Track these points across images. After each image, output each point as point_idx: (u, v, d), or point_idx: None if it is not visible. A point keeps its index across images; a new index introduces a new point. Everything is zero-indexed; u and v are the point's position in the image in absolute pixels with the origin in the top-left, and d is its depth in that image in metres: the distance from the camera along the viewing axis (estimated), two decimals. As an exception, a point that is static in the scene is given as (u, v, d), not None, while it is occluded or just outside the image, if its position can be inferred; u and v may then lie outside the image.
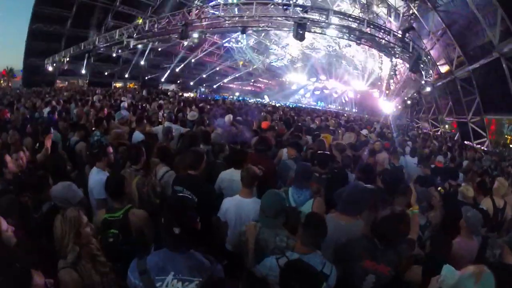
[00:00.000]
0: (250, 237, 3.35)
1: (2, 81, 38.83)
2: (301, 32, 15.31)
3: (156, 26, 20.30)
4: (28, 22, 31.21)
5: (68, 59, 30.32)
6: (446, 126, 26.29)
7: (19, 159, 4.99)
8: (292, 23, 16.10)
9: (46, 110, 11.30)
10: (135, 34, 21.95)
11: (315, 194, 4.42)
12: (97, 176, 4.61)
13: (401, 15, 21.33)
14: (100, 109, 11.56)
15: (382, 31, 18.16)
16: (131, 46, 23.44)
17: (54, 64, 31.74)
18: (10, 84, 37.74)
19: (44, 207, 3.72)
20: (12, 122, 9.35)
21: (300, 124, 12.50)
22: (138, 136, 7.37)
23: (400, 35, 18.14)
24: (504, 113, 18.67)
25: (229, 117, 10.46)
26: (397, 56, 19.86)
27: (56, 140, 7.16)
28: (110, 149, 5.04)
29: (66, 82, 37.49)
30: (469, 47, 18.19)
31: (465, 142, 21.27)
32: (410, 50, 17.70)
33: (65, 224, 2.73)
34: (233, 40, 40.68)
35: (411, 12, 20.64)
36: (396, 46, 17.85)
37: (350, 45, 32.34)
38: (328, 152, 6.47)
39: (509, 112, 17.58)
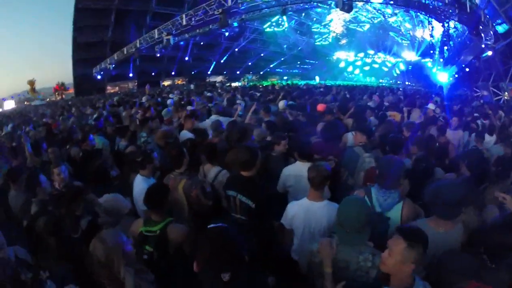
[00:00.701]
0: (326, 259, 2.60)
1: (57, 95, 40.73)
2: (348, 2, 14.06)
3: (193, 19, 19.89)
4: (71, 35, 32.82)
5: (113, 65, 31.25)
6: (506, 93, 23.87)
7: (60, 173, 4.71)
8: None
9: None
10: (174, 31, 21.75)
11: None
12: (142, 185, 4.22)
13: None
14: (147, 109, 11.25)
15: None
16: (172, 43, 23.24)
17: (102, 72, 32.94)
18: (63, 97, 39.59)
19: (82, 223, 3.48)
20: (60, 133, 9.40)
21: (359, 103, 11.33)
22: (185, 134, 6.86)
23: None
24: None
25: (282, 103, 9.69)
26: (452, 18, 18.12)
27: (101, 146, 7.00)
28: (155, 155, 4.70)
29: (117, 87, 38.58)
30: None
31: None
32: (468, 11, 15.97)
33: (108, 249, 2.38)
34: (274, 23, 39.75)
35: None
36: (452, 7, 16.18)
37: (396, 14, 30.47)
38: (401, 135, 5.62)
39: None
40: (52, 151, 6.18)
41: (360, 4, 19.40)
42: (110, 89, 38.13)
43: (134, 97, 20.23)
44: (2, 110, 39.00)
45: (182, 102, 12.17)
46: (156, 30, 24.09)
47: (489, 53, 18.96)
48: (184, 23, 20.62)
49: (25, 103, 41.59)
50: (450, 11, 16.92)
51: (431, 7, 16.96)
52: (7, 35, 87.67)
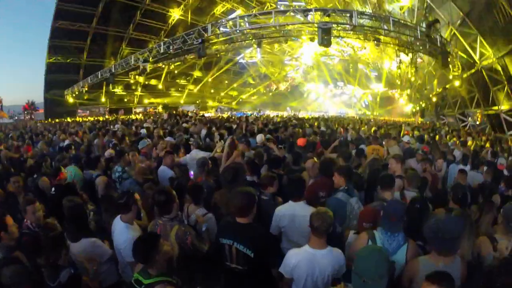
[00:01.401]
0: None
1: (25, 114, 39.42)
2: (326, 37, 14.33)
3: (171, 47, 19.78)
4: (46, 55, 32.05)
5: (86, 89, 30.60)
6: (469, 119, 25.00)
7: (36, 211, 4.23)
8: (315, 29, 15.27)
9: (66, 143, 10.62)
10: (150, 58, 21.55)
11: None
12: (126, 235, 3.71)
13: (416, 9, 20.37)
14: (122, 139, 10.82)
15: (408, 28, 17.19)
16: (147, 70, 22.97)
17: (74, 95, 32.10)
18: (33, 117, 38.30)
19: (62, 275, 3.10)
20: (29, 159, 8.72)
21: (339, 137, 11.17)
22: (166, 172, 6.52)
23: (424, 30, 17.16)
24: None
25: (261, 137, 9.35)
26: (422, 52, 18.93)
27: (73, 179, 6.34)
28: (137, 196, 4.22)
29: (88, 111, 37.72)
30: (492, 33, 17.09)
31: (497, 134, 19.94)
32: (438, 45, 16.71)
33: None
34: (247, 55, 40.40)
35: (425, 5, 19.72)
36: (423, 42, 16.86)
37: (365, 48, 31.57)
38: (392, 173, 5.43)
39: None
40: (15, 180, 5.68)
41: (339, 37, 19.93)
42: (81, 112, 37.15)
43: (106, 123, 19.54)
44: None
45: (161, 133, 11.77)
46: (132, 56, 23.78)
47: (457, 83, 19.68)
48: (162, 51, 20.46)
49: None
50: (421, 44, 17.52)
51: (408, 40, 17.57)
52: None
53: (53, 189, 5.72)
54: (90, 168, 6.99)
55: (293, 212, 4.04)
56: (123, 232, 3.77)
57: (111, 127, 16.40)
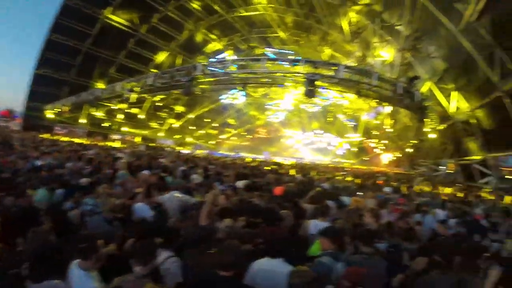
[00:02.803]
0: None
1: (2, 121, 37.99)
2: (311, 88, 14.68)
3: (159, 80, 19.83)
4: (34, 66, 31.71)
5: (67, 108, 30.26)
6: (443, 167, 25.72)
7: None
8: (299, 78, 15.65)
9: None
10: (137, 88, 21.49)
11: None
12: (85, 285, 3.34)
13: (396, 64, 21.24)
14: (98, 168, 10.19)
15: (389, 82, 17.82)
16: (130, 100, 22.84)
17: (54, 111, 31.45)
18: (8, 125, 36.84)
19: None
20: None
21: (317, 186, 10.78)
22: (141, 210, 5.85)
23: (405, 86, 17.82)
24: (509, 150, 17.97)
25: (242, 183, 9.05)
26: (401, 106, 19.60)
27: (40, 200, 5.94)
28: (101, 242, 3.81)
29: (65, 130, 36.56)
30: (468, 89, 17.94)
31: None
32: (417, 100, 17.36)
33: None
34: (230, 96, 40.80)
35: (405, 61, 20.64)
36: (402, 96, 17.47)
37: (346, 98, 32.54)
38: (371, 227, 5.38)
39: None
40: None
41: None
42: (58, 130, 35.91)
43: (83, 148, 18.76)
44: None
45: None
46: (119, 84, 23.64)
47: (433, 135, 20.31)
48: (149, 82, 20.47)
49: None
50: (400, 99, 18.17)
51: (389, 95, 18.20)
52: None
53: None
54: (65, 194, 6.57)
55: (272, 268, 3.73)
56: (82, 281, 3.37)
57: (86, 152, 15.80)
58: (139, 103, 33.58)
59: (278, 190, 8.58)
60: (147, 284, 3.12)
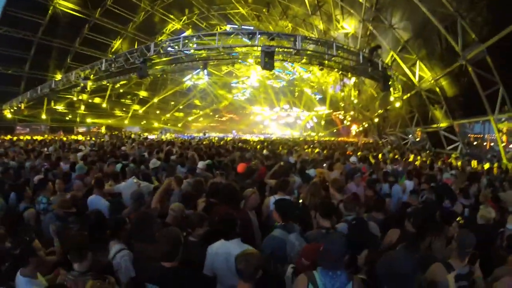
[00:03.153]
0: None
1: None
2: (269, 61, 14.26)
3: (113, 65, 18.91)
4: None
5: (25, 104, 28.40)
6: (410, 136, 26.53)
7: None
8: (258, 53, 15.22)
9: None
10: (92, 75, 20.49)
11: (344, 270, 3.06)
12: None
13: (359, 36, 21.16)
14: (56, 164, 9.75)
15: (351, 53, 17.71)
16: (88, 88, 21.85)
17: (12, 110, 29.67)
18: None
19: None
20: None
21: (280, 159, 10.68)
22: (97, 202, 5.69)
23: (367, 56, 17.75)
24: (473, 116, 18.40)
25: (202, 163, 8.78)
26: (364, 76, 19.62)
27: None
28: (37, 244, 3.44)
29: (28, 129, 35.09)
30: (430, 58, 18.14)
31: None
32: (380, 69, 17.33)
33: None
34: (195, 76, 40.05)
35: (368, 33, 20.59)
36: (365, 66, 17.40)
37: (310, 72, 32.46)
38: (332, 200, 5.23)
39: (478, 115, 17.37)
40: None
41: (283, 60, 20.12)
42: (20, 129, 34.45)
43: (43, 145, 17.91)
44: None
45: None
46: (73, 73, 22.52)
47: (398, 104, 20.52)
48: (103, 68, 19.51)
49: None
50: (364, 69, 18.12)
51: (351, 65, 18.12)
52: None
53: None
54: (17, 196, 6.22)
55: (227, 251, 3.55)
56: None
57: (45, 149, 15.05)
58: (100, 91, 32.57)
59: (240, 167, 8.36)
60: (89, 281, 2.86)
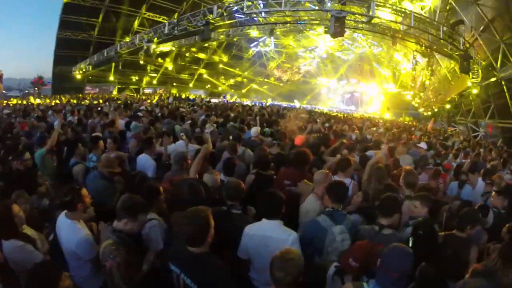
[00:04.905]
0: None
1: (36, 89, 38.94)
2: (339, 27, 13.21)
3: (176, 28, 18.89)
4: (56, 30, 31.59)
5: (91, 67, 30.43)
6: (481, 130, 24.58)
7: None
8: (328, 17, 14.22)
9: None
10: (155, 38, 20.74)
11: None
12: (77, 235, 3.19)
13: (438, 11, 19.32)
14: (112, 122, 9.41)
15: (431, 25, 16.09)
16: (151, 51, 22.14)
17: (81, 72, 31.77)
18: (39, 92, 37.75)
19: None
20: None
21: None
22: (145, 161, 5.72)
23: (446, 31, 16.09)
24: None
25: (255, 130, 8.30)
26: (442, 53, 17.98)
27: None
28: (85, 192, 3.47)
29: (97, 89, 37.38)
30: None
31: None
32: (461, 48, 15.71)
33: None
34: (261, 43, 39.46)
35: (448, 7, 18.72)
36: (444, 43, 15.85)
37: (381, 47, 30.70)
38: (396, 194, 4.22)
39: None
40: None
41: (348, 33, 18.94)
42: (90, 89, 36.72)
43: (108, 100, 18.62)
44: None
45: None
46: (137, 36, 23.07)
47: (475, 91, 18.80)
48: (166, 31, 19.65)
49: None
50: (443, 45, 16.56)
51: (429, 39, 16.64)
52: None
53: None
54: (68, 151, 6.21)
55: (263, 233, 3.25)
56: (73, 232, 3.24)
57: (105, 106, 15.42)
58: (168, 54, 33.21)
59: (298, 139, 7.76)
60: (108, 240, 2.90)
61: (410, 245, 3.18)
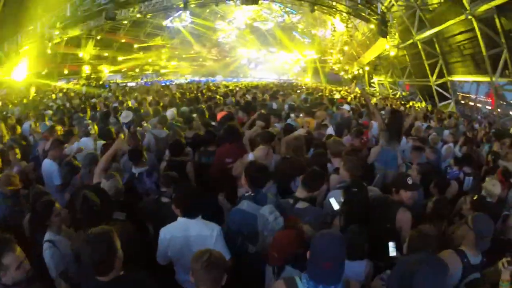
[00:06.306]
0: None
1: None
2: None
3: (79, 9, 17.15)
4: None
5: None
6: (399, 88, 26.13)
7: None
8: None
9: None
10: (57, 23, 18.54)
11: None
12: None
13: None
14: (12, 127, 8.34)
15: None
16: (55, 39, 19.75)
17: None
18: None
19: None
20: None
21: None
22: (49, 167, 4.91)
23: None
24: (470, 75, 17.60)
25: (171, 112, 7.84)
26: (360, 18, 18.40)
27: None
28: None
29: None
30: (431, 10, 16.98)
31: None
32: (378, 12, 16.10)
33: None
34: (177, 19, 37.72)
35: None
36: (363, 7, 16.09)
37: (300, 15, 30.93)
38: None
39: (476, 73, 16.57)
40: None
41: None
42: None
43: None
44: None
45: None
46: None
47: (392, 53, 19.55)
48: (69, 14, 17.74)
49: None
50: (361, 11, 16.90)
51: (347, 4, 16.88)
52: None
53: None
54: None
55: (186, 233, 3.00)
56: None
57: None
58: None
59: (220, 114, 7.42)
60: None
61: (335, 208, 3.42)
